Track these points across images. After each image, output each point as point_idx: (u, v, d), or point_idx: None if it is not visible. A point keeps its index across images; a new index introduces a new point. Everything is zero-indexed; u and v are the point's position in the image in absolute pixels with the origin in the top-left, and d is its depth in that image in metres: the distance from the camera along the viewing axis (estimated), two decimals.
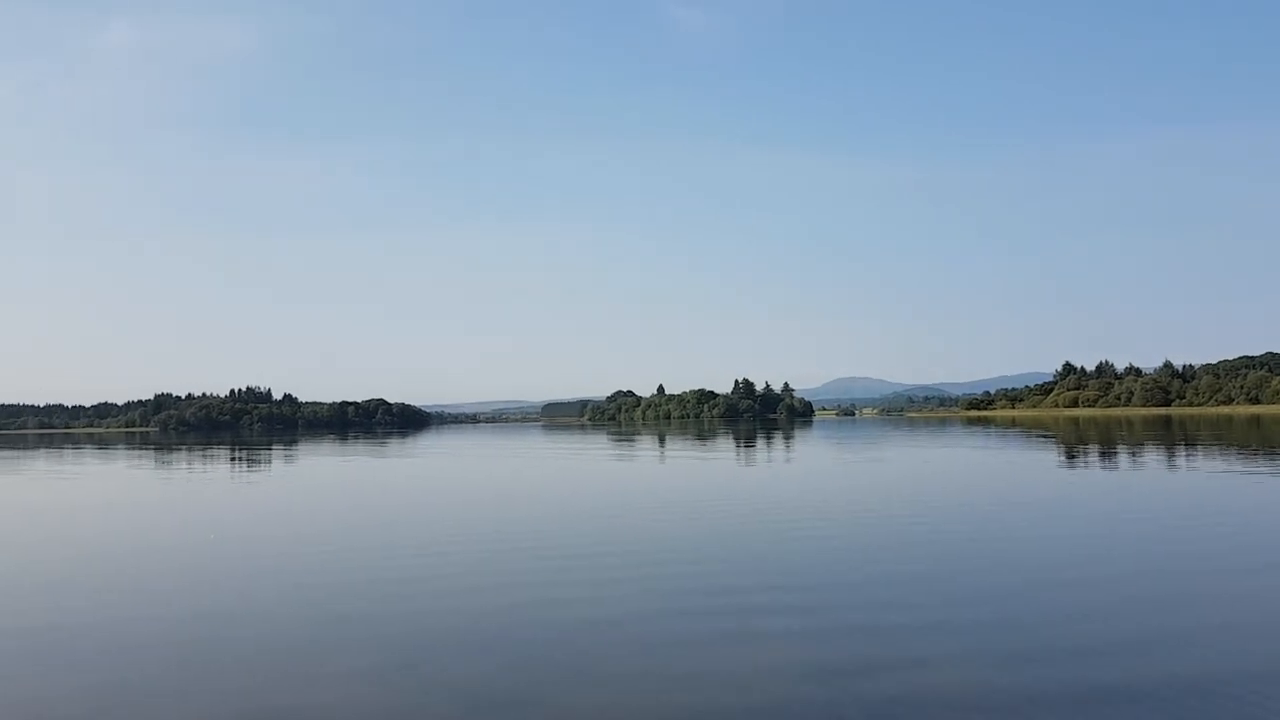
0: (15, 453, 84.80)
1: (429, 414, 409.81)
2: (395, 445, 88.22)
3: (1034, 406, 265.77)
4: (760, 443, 72.98)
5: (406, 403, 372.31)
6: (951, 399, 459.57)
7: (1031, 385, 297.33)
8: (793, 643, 10.17)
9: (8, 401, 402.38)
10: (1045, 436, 72.38)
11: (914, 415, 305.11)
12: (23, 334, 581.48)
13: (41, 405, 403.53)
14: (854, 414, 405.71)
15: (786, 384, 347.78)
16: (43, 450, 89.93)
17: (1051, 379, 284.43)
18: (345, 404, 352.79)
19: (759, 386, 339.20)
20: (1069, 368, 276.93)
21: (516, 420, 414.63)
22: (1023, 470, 36.83)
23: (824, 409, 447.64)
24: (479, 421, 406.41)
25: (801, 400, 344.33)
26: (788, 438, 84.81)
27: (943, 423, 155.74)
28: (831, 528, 19.69)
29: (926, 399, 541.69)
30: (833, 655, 9.62)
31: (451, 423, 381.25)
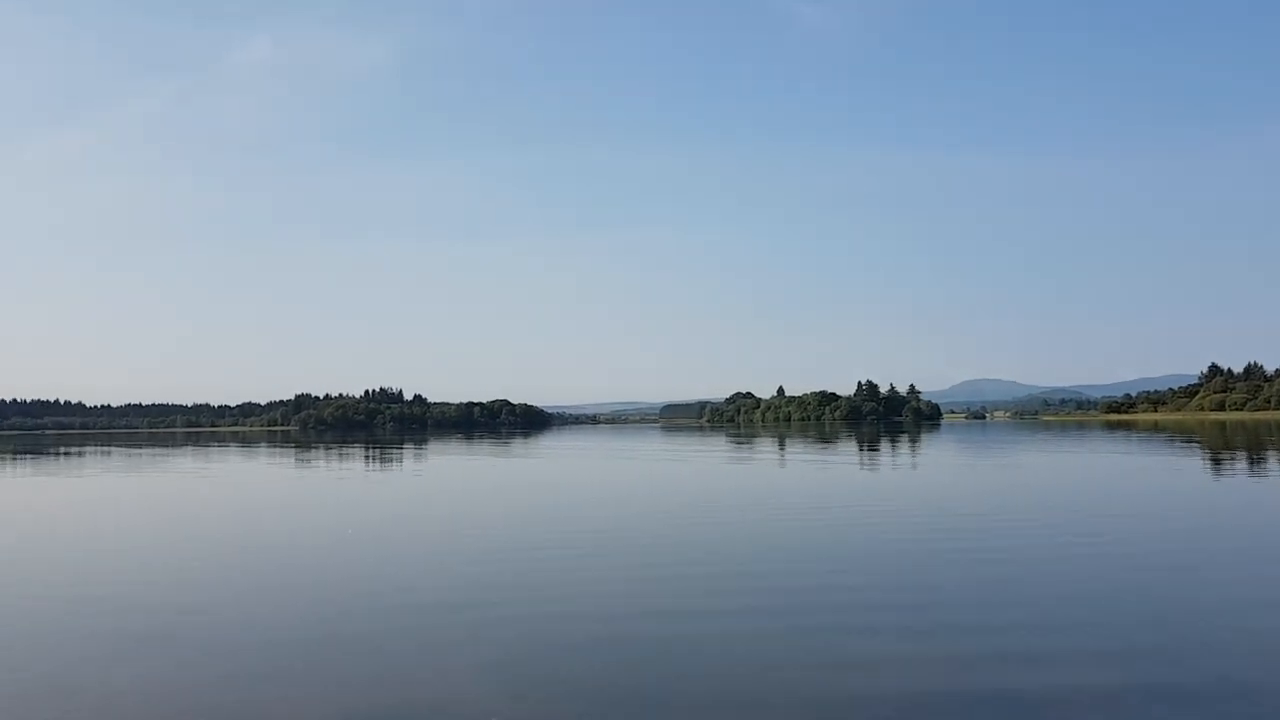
0: (165, 450, 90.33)
1: (550, 415, 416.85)
2: (518, 445, 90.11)
3: (1177, 410, 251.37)
4: (885, 446, 71.35)
5: (529, 403, 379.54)
6: (1090, 402, 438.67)
7: (1175, 388, 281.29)
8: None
9: (158, 401, 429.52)
10: (1190, 441, 68.28)
11: (1049, 418, 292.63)
12: (172, 337, 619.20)
13: (189, 405, 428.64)
14: (985, 417, 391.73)
15: (912, 386, 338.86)
16: (189, 448, 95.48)
17: (1196, 381, 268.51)
18: (471, 404, 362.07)
19: (883, 388, 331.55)
20: (1215, 369, 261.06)
21: (635, 421, 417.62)
22: (1169, 478, 34.82)
23: (952, 412, 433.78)
24: (598, 422, 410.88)
25: (928, 403, 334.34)
26: (914, 441, 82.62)
27: (1080, 426, 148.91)
28: (974, 538, 19.04)
29: (1063, 402, 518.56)
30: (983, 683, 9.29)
31: (572, 423, 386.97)
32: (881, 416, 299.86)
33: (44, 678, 9.43)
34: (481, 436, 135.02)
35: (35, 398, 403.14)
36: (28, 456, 71.85)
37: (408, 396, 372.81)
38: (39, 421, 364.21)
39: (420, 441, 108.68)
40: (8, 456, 70.85)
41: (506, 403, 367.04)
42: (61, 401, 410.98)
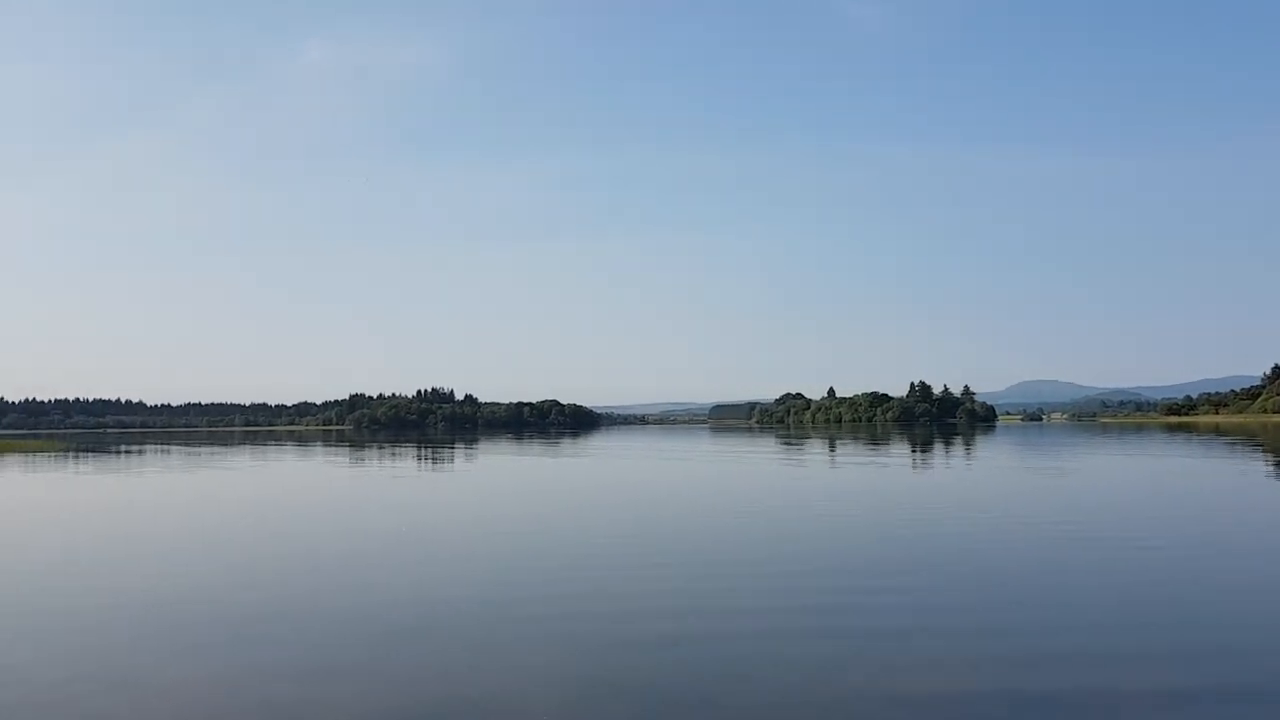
0: (223, 448, 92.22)
1: (599, 415, 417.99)
2: (568, 445, 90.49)
3: (1239, 412, 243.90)
4: (938, 448, 70.33)
5: (578, 404, 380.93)
6: (1149, 403, 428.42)
7: (1237, 389, 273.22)
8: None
9: (218, 401, 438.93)
10: (1255, 445, 66.21)
11: (1107, 420, 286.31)
12: (231, 338, 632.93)
13: (248, 404, 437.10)
14: (1041, 419, 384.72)
15: (966, 387, 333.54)
16: (247, 447, 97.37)
17: (1259, 382, 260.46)
18: (521, 404, 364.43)
19: (936, 389, 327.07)
20: (1278, 370, 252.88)
21: (684, 422, 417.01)
22: (1227, 481, 33.79)
23: (1008, 414, 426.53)
24: (647, 423, 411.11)
25: (983, 404, 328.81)
26: (968, 444, 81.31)
27: (1139, 429, 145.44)
28: (1025, 543, 18.63)
29: (1121, 403, 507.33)
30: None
31: (621, 424, 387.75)
32: (935, 418, 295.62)
33: (123, 672, 9.62)
34: (531, 436, 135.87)
35: (97, 397, 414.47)
36: (89, 454, 73.83)
37: (459, 397, 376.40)
38: (100, 420, 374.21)
39: (471, 441, 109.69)
40: (71, 454, 72.88)
41: (556, 403, 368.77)
42: (122, 400, 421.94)
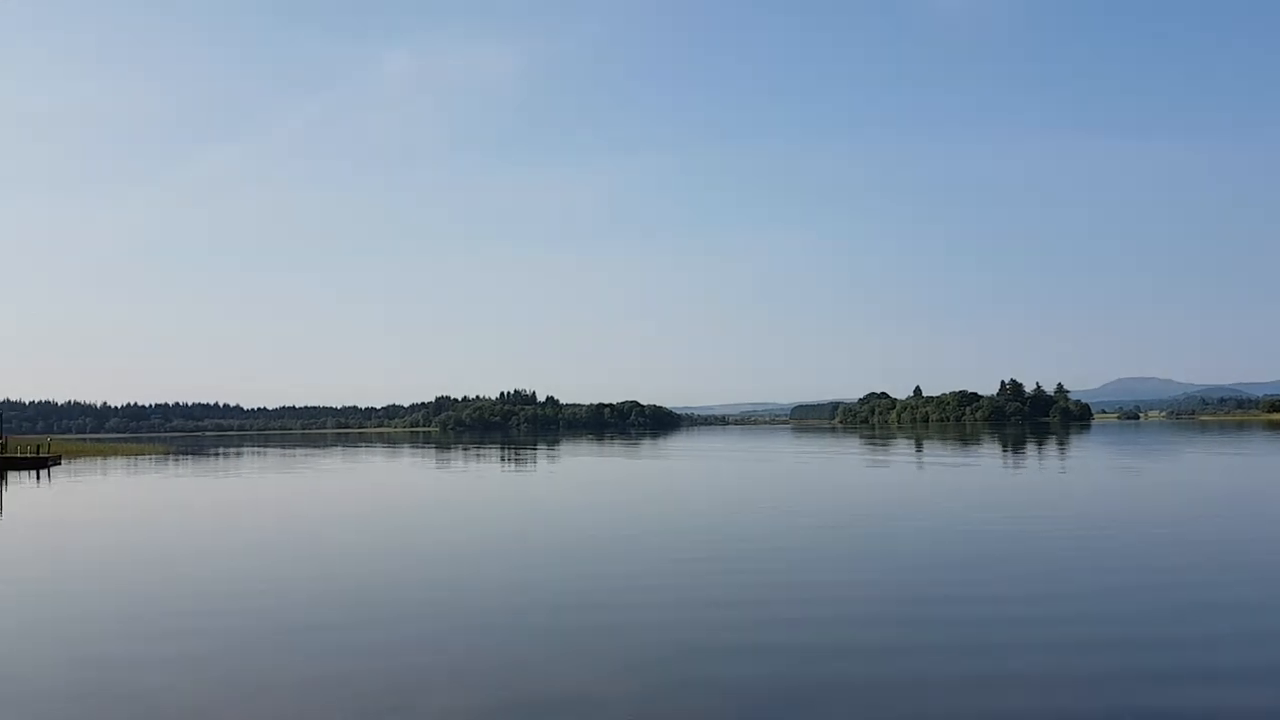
0: (316, 450, 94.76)
1: (679, 416, 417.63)
2: (648, 445, 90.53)
3: None
4: (1031, 448, 68.26)
5: (658, 405, 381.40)
6: (1251, 400, 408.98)
7: None
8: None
9: (311, 404, 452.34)
10: None
11: (1206, 418, 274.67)
12: (323, 342, 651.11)
13: (339, 407, 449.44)
14: (1138, 417, 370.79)
15: (1060, 385, 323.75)
16: (339, 448, 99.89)
17: None
18: (601, 406, 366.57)
19: (1028, 388, 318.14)
20: None
21: (765, 423, 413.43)
22: None
23: (1103, 412, 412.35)
24: (728, 423, 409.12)
25: (1077, 403, 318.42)
26: (1062, 443, 78.74)
27: (1240, 427, 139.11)
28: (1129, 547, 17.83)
29: (1221, 400, 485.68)
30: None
31: (701, 424, 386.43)
32: (1027, 417, 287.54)
33: (235, 671, 9.83)
34: (612, 437, 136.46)
35: (196, 401, 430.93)
36: (189, 457, 76.63)
37: (540, 398, 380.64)
38: (199, 424, 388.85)
39: (553, 442, 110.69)
40: (172, 456, 75.80)
41: (636, 404, 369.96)
42: (220, 404, 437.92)
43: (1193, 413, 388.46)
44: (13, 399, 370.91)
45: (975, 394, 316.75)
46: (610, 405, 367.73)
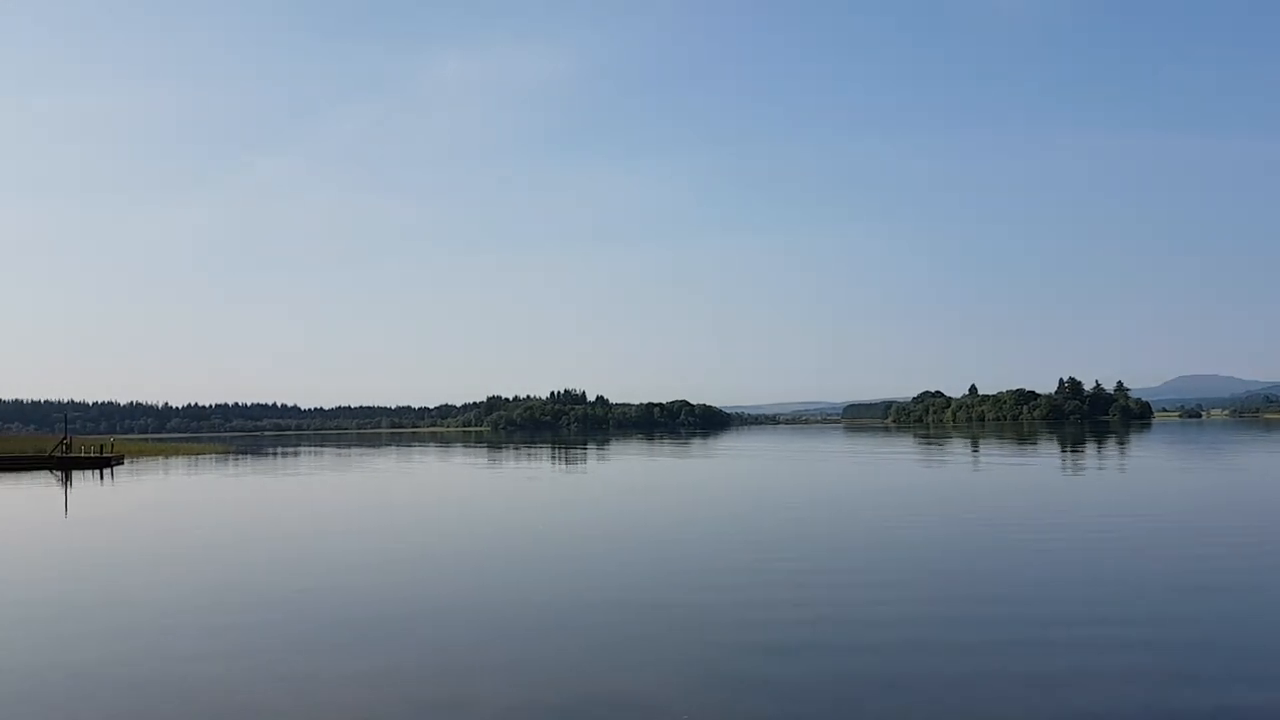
0: (372, 449, 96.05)
1: (729, 415, 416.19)
2: (698, 445, 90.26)
3: None
4: (1091, 448, 66.71)
5: (708, 404, 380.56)
6: None
7: None
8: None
9: (365, 404, 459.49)
10: None
11: (1271, 416, 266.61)
12: (377, 343, 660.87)
13: (393, 407, 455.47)
14: (1200, 416, 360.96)
15: (1120, 383, 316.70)
16: (393, 448, 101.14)
17: None
18: (651, 405, 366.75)
19: (1087, 386, 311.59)
20: None
21: (816, 422, 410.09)
22: None
23: (1164, 410, 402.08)
24: (778, 423, 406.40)
25: (1137, 401, 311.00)
26: (1122, 442, 76.87)
27: None
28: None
29: None
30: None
31: (751, 424, 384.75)
32: (1085, 416, 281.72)
33: (289, 665, 9.85)
34: (661, 437, 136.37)
35: (255, 401, 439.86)
36: (248, 456, 78.09)
37: (590, 398, 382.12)
38: (258, 424, 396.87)
39: (603, 442, 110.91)
40: (232, 456, 77.34)
41: (686, 403, 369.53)
42: (278, 405, 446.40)
43: (1256, 411, 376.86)
44: (77, 400, 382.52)
45: (1033, 392, 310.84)
46: (660, 405, 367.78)
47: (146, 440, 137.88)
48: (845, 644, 10.42)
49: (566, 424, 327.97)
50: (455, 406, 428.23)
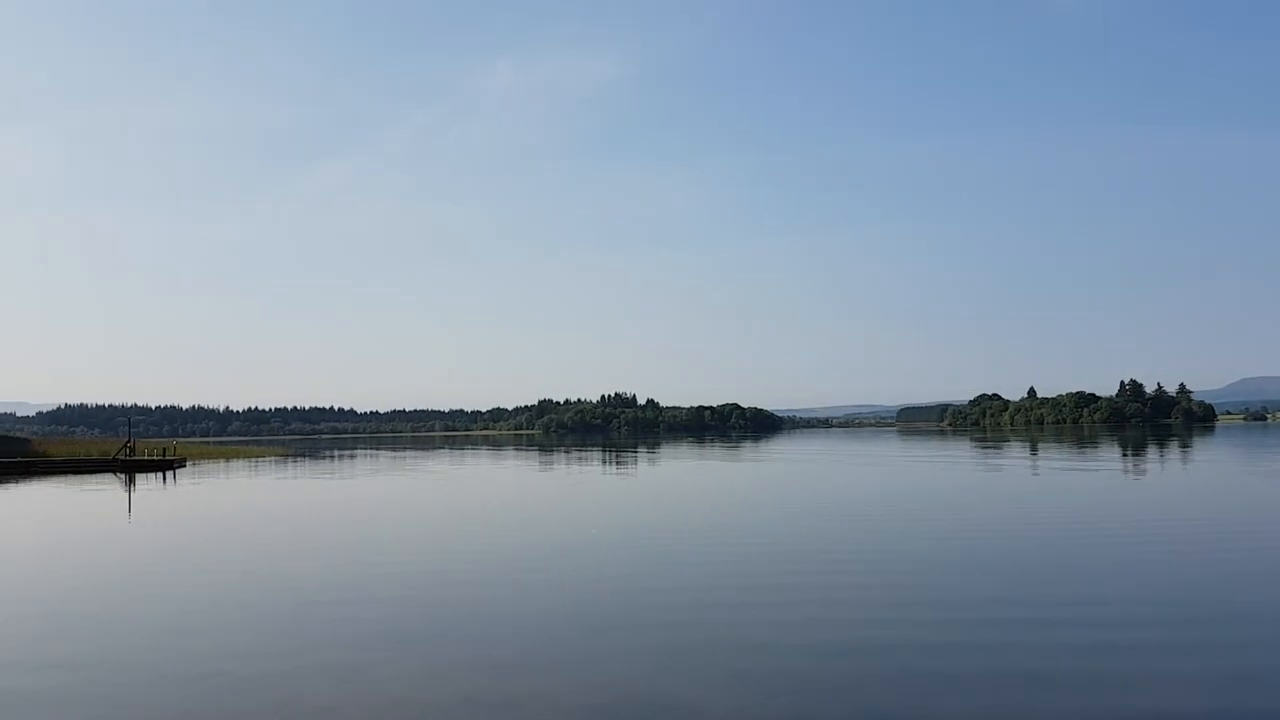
0: (425, 452, 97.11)
1: (781, 418, 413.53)
2: (749, 448, 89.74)
3: None
4: (1153, 451, 65.00)
5: (759, 407, 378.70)
6: None
7: None
8: None
9: (419, 407, 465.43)
10: None
11: None
12: (431, 346, 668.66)
13: (446, 410, 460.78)
14: (1266, 418, 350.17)
15: (1182, 385, 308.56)
16: (446, 450, 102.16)
17: None
18: (702, 408, 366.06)
19: (1149, 388, 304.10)
20: None
21: (870, 425, 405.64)
22: None
23: (1228, 413, 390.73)
24: (831, 426, 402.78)
25: (1200, 403, 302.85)
26: (1185, 446, 74.78)
27: None
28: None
29: None
30: None
31: (803, 427, 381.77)
32: (1147, 419, 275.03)
33: (345, 664, 9.92)
34: (712, 440, 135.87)
35: (312, 405, 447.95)
36: (306, 458, 79.37)
37: (641, 401, 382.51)
38: (315, 427, 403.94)
39: (653, 445, 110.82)
40: (291, 458, 78.69)
41: (737, 406, 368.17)
42: (335, 408, 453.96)
43: None
44: (141, 404, 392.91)
45: (1093, 395, 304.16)
46: (710, 408, 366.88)
47: (208, 443, 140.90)
48: (890, 647, 10.17)
49: (617, 427, 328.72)
50: (507, 410, 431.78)
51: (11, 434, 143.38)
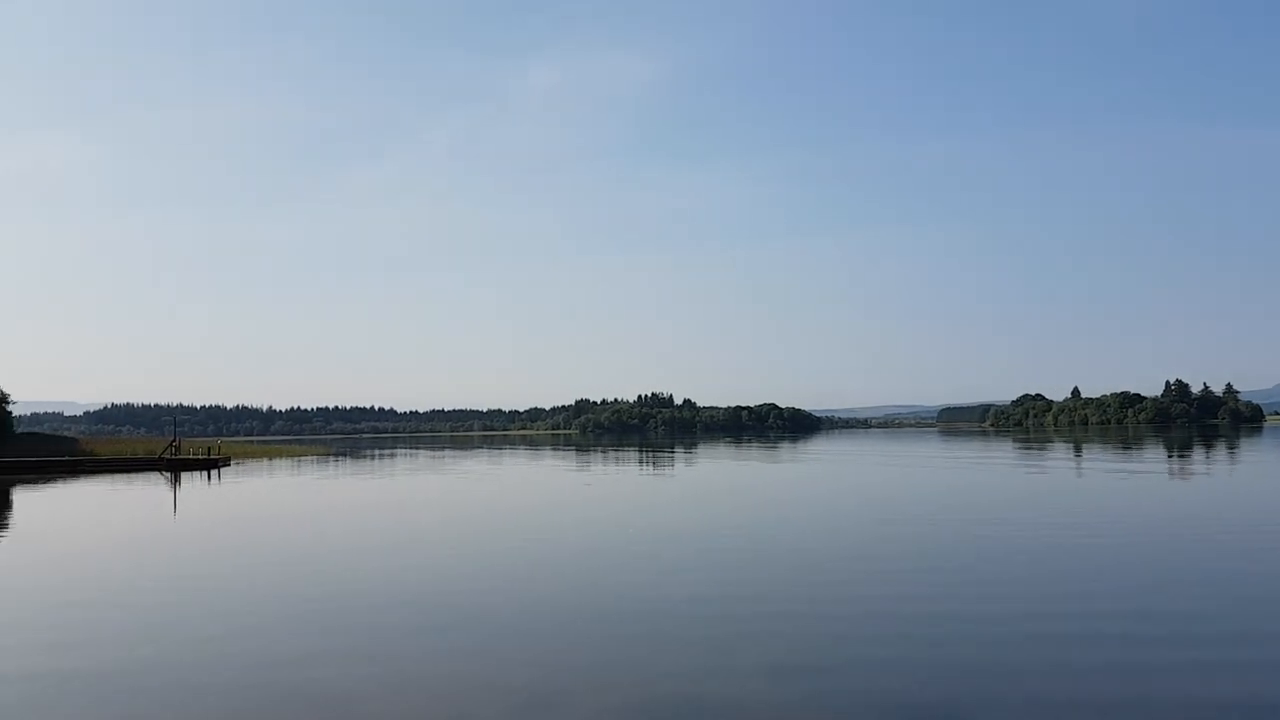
0: (464, 452, 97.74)
1: (819, 419, 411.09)
2: (786, 449, 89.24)
3: None
4: (1198, 452, 63.67)
5: (797, 407, 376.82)
6: None
7: None
8: None
9: (458, 407, 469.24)
10: None
11: None
12: (469, 347, 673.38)
13: (484, 410, 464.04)
14: None
15: (1229, 385, 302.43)
16: (484, 450, 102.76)
17: None
18: (739, 408, 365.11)
19: (1194, 388, 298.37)
20: None
21: (911, 426, 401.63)
22: None
23: (1275, 414, 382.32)
24: (870, 427, 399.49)
25: (1249, 404, 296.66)
26: (1232, 447, 73.15)
27: None
28: None
29: None
30: None
31: (842, 427, 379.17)
32: (1194, 419, 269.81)
33: (383, 664, 9.98)
34: (749, 440, 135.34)
35: (354, 405, 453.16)
36: (347, 457, 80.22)
37: (678, 401, 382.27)
38: (356, 426, 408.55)
39: (690, 445, 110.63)
40: (333, 457, 79.60)
41: (774, 406, 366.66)
42: (375, 408, 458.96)
43: None
44: (185, 404, 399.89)
45: (1138, 395, 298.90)
46: (748, 408, 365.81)
47: (251, 442, 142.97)
48: (925, 646, 10.02)
49: (654, 427, 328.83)
50: (544, 410, 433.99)
51: (59, 433, 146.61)
